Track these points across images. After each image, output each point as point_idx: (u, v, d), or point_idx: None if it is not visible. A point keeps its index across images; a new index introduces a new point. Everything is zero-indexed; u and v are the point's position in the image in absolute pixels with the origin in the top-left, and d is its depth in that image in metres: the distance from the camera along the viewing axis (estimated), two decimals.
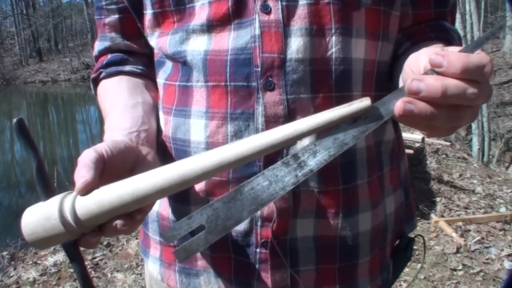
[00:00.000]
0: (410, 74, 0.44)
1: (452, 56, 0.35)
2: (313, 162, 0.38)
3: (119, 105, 0.58)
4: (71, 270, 2.52)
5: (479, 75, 0.35)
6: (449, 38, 0.58)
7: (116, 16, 0.63)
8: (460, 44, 0.60)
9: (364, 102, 0.37)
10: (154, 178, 0.40)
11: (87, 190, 0.42)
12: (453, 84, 0.35)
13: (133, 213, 0.42)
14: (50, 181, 0.45)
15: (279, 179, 0.38)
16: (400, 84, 0.50)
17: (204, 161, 0.39)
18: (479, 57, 0.36)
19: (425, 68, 0.39)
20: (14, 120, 0.44)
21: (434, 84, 0.35)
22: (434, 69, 0.36)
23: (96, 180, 0.42)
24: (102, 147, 0.46)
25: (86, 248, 0.44)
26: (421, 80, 0.36)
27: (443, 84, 0.35)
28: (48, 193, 0.44)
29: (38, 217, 0.42)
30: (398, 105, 0.36)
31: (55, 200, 0.42)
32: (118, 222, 0.41)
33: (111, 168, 0.45)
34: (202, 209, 0.38)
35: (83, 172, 0.42)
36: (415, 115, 0.36)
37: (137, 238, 2.87)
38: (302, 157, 0.38)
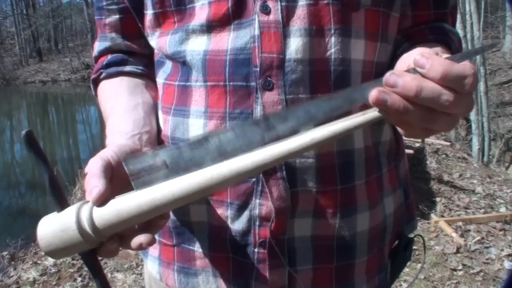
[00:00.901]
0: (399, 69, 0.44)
1: (435, 60, 0.36)
2: (281, 127, 0.39)
3: (120, 108, 0.58)
4: (71, 270, 2.52)
5: (459, 85, 0.36)
6: (448, 40, 0.58)
7: (117, 16, 0.63)
8: (460, 46, 0.60)
9: (379, 112, 0.38)
10: (172, 188, 0.40)
11: (102, 200, 0.42)
12: (429, 86, 0.36)
13: (155, 219, 0.42)
14: (63, 191, 0.45)
15: (246, 135, 0.39)
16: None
17: (223, 170, 0.39)
18: (462, 67, 0.36)
19: (409, 66, 0.39)
20: (23, 133, 0.43)
21: (410, 82, 0.36)
22: (417, 69, 0.37)
23: (109, 188, 0.42)
24: (107, 154, 0.46)
25: (106, 256, 0.44)
26: (399, 75, 0.37)
27: (418, 84, 0.36)
28: (63, 204, 0.43)
29: (54, 228, 0.42)
30: (373, 93, 0.37)
31: (71, 211, 0.42)
32: (144, 240, 0.42)
33: (119, 173, 0.45)
34: (168, 148, 0.39)
35: (94, 182, 0.43)
36: (388, 106, 0.37)
37: None
38: (272, 120, 0.39)
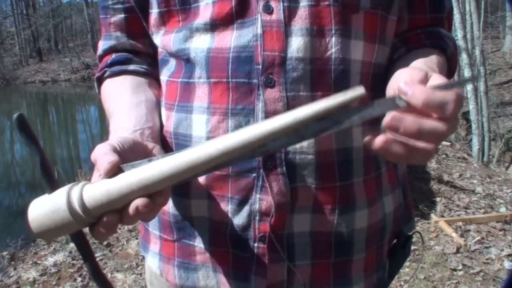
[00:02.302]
0: (393, 88, 0.46)
1: (417, 89, 0.39)
2: (272, 144, 0.41)
3: (123, 106, 0.59)
4: (71, 270, 2.52)
5: (440, 111, 0.39)
6: (443, 45, 0.60)
7: (122, 15, 0.64)
8: (455, 51, 0.62)
9: (358, 91, 0.39)
10: (161, 166, 0.41)
11: (114, 170, 0.43)
12: (411, 125, 0.39)
13: (154, 195, 0.42)
14: (54, 174, 0.46)
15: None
16: (387, 92, 0.50)
17: (209, 149, 0.41)
18: (443, 94, 0.38)
19: (394, 90, 0.43)
20: (15, 116, 0.44)
21: (411, 125, 0.39)
22: (401, 96, 0.40)
23: (120, 161, 0.43)
24: (113, 142, 0.47)
25: (106, 231, 0.43)
26: (400, 120, 0.39)
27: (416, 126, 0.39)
28: (53, 185, 0.44)
29: (45, 210, 0.42)
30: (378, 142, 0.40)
31: (62, 192, 0.43)
32: (139, 204, 0.41)
33: (123, 161, 0.45)
34: (164, 155, 0.43)
35: (107, 157, 0.43)
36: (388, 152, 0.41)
37: (137, 238, 2.87)
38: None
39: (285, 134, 0.40)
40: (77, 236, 0.45)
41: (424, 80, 0.42)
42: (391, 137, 0.40)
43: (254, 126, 0.41)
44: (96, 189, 0.42)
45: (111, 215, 0.42)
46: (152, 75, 0.65)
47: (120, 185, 0.42)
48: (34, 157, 0.44)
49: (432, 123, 0.39)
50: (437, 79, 0.42)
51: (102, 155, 0.44)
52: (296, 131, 0.40)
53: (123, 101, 0.59)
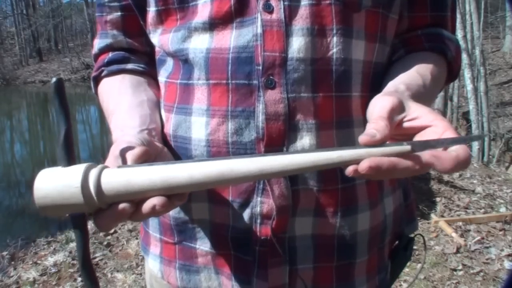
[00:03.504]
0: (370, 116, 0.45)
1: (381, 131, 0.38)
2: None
3: (125, 104, 0.58)
4: (71, 270, 2.52)
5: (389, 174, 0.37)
6: (444, 48, 0.58)
7: (119, 13, 0.63)
8: (457, 54, 0.60)
9: (405, 147, 0.38)
10: (193, 170, 0.40)
11: (142, 159, 0.42)
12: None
13: (173, 196, 0.41)
14: (74, 150, 0.43)
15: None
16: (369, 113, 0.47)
17: (249, 165, 0.39)
18: (388, 160, 0.37)
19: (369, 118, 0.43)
20: (54, 79, 0.42)
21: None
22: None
23: (148, 153, 0.42)
24: (131, 139, 0.46)
25: (113, 220, 0.41)
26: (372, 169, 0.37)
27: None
28: (70, 160, 0.42)
29: (56, 181, 0.40)
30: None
31: (78, 169, 0.40)
32: (158, 203, 0.39)
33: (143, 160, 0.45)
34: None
35: (134, 147, 0.42)
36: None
37: (137, 238, 2.87)
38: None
39: (324, 169, 0.39)
40: (79, 219, 0.42)
41: (395, 111, 0.41)
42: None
43: (295, 155, 0.39)
44: (116, 176, 0.40)
45: (127, 205, 0.40)
46: (150, 74, 0.64)
47: (142, 179, 0.40)
48: (60, 126, 0.42)
49: (406, 164, 0.37)
50: (414, 109, 0.42)
51: (126, 143, 0.43)
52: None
53: (125, 100, 0.58)
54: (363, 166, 0.36)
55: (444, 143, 0.39)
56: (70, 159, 0.42)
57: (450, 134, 0.38)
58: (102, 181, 0.40)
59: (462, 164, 0.37)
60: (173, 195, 0.41)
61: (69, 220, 0.43)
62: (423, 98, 0.53)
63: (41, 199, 0.40)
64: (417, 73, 0.54)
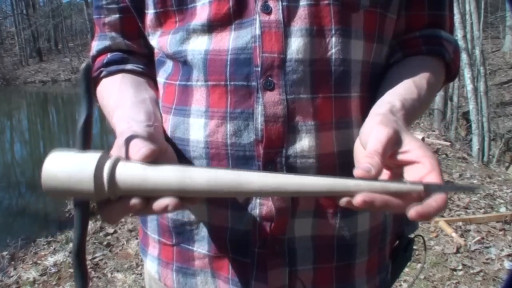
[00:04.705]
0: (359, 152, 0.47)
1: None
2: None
3: (128, 100, 0.57)
4: (71, 270, 2.52)
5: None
6: (442, 51, 0.58)
7: (117, 15, 0.62)
8: (455, 56, 0.60)
9: (418, 187, 0.38)
10: (211, 177, 0.39)
11: (153, 158, 0.41)
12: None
13: (185, 199, 0.40)
14: (91, 137, 0.43)
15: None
16: (363, 139, 0.47)
17: (267, 180, 0.39)
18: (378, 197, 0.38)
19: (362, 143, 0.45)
20: (83, 64, 0.42)
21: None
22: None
23: (158, 151, 0.42)
24: (138, 131, 0.46)
25: (121, 213, 0.40)
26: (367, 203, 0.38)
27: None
28: (86, 147, 0.41)
29: (68, 164, 0.39)
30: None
31: (94, 155, 0.39)
32: (171, 204, 0.39)
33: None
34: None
35: (142, 143, 0.42)
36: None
37: (137, 238, 2.87)
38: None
39: (342, 195, 0.39)
40: (83, 206, 0.41)
41: (390, 145, 0.42)
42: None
43: (310, 178, 0.39)
44: (132, 170, 0.40)
45: (139, 201, 0.39)
46: (149, 75, 0.63)
47: (159, 177, 0.39)
48: (81, 112, 0.42)
49: (396, 203, 0.39)
50: (407, 141, 0.42)
51: (139, 139, 0.43)
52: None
53: (127, 97, 0.57)
54: (358, 199, 0.38)
55: (453, 189, 0.42)
56: (86, 146, 0.41)
57: (435, 175, 0.39)
58: (117, 172, 0.39)
59: (437, 213, 0.39)
60: (188, 198, 0.40)
61: (72, 208, 0.42)
62: (417, 112, 0.54)
63: (48, 179, 0.39)
64: (413, 84, 0.54)
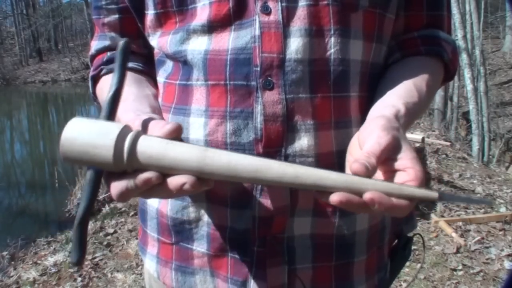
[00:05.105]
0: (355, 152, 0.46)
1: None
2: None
3: (131, 94, 0.56)
4: (71, 270, 2.52)
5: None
6: (440, 51, 0.59)
7: (116, 16, 0.63)
8: (454, 56, 0.61)
9: (432, 194, 0.39)
10: (232, 159, 0.39)
11: (176, 134, 0.41)
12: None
13: (203, 180, 0.40)
14: (117, 110, 0.43)
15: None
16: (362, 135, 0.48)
17: (286, 168, 0.40)
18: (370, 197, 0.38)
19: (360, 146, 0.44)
20: (122, 42, 0.43)
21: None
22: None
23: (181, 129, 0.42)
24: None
25: (131, 190, 0.39)
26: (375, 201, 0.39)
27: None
28: (110, 118, 0.41)
29: (92, 126, 0.39)
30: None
31: (116, 124, 0.39)
32: (189, 182, 0.38)
33: None
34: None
35: (163, 121, 0.42)
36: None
37: (137, 238, 2.87)
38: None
39: (358, 193, 0.39)
40: (97, 175, 0.40)
41: (388, 151, 0.42)
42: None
43: (331, 173, 0.40)
44: (154, 143, 0.39)
45: (155, 175, 0.39)
46: (149, 73, 0.64)
47: (179, 152, 0.39)
48: (112, 85, 0.42)
49: (398, 207, 0.39)
50: (403, 150, 0.42)
51: (159, 119, 0.43)
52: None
53: (130, 92, 0.57)
54: (367, 196, 0.38)
55: (466, 200, 0.41)
56: (111, 117, 0.41)
57: (413, 185, 0.40)
58: (138, 143, 0.39)
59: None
60: (206, 180, 0.40)
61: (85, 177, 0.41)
62: (417, 116, 0.55)
63: (69, 140, 0.39)
64: (414, 88, 0.54)
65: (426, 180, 0.42)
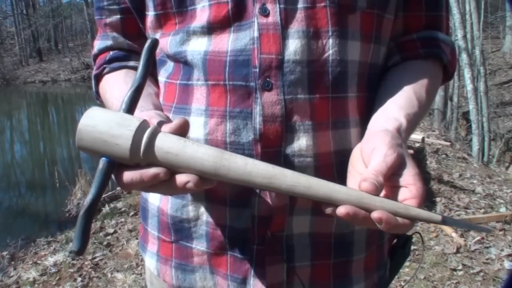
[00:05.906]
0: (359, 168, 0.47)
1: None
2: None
3: None
4: (71, 270, 2.53)
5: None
6: (439, 53, 0.59)
7: (118, 16, 0.63)
8: (452, 58, 0.61)
9: (436, 217, 0.40)
10: (248, 163, 0.40)
11: (183, 129, 0.41)
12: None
13: (207, 180, 0.41)
14: (137, 105, 0.44)
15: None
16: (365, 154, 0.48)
17: (299, 178, 0.41)
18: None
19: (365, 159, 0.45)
20: (149, 40, 0.44)
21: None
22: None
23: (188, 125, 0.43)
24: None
25: (140, 183, 0.40)
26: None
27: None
28: (131, 111, 0.42)
29: (112, 116, 0.39)
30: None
31: (137, 117, 0.40)
32: (193, 181, 0.40)
33: None
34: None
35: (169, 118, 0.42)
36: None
37: (137, 238, 2.87)
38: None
39: (365, 210, 0.40)
40: (109, 166, 0.41)
41: (393, 168, 0.43)
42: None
43: (343, 188, 0.41)
44: (172, 140, 0.40)
45: (164, 171, 0.40)
46: (151, 73, 0.64)
47: (196, 151, 0.39)
48: (135, 80, 0.43)
49: (402, 227, 0.40)
50: (406, 167, 0.43)
51: (165, 116, 0.43)
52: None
53: None
54: (376, 215, 0.39)
55: (466, 226, 0.43)
56: (131, 110, 0.42)
57: (415, 202, 0.41)
58: (158, 137, 0.40)
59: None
60: (210, 179, 0.41)
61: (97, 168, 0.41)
62: (416, 126, 0.56)
63: (87, 126, 0.39)
64: (414, 96, 0.55)
65: (425, 196, 0.43)
